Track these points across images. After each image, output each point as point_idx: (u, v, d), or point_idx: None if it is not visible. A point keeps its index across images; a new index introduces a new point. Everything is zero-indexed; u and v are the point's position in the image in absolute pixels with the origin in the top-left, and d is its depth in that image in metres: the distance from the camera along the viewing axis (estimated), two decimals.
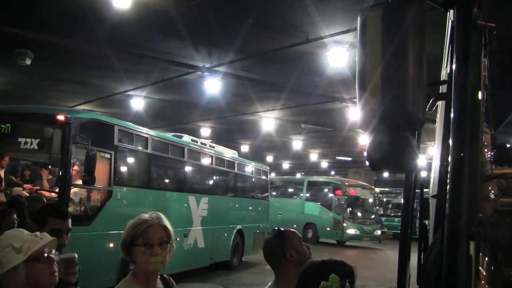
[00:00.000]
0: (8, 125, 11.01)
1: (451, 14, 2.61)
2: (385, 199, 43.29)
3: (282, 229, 3.51)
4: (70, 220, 4.24)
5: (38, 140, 10.74)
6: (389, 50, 2.23)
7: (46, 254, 2.83)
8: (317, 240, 31.04)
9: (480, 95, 2.42)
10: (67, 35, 14.32)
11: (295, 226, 30.25)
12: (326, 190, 33.38)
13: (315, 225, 32.00)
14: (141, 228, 3.10)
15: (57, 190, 10.70)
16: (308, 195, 33.92)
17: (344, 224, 30.78)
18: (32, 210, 9.83)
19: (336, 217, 31.11)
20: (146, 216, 3.15)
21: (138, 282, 3.10)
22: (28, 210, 7.76)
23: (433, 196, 3.28)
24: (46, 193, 10.93)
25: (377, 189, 41.19)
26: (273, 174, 41.30)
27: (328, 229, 31.37)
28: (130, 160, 13.65)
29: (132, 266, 3.29)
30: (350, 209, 31.71)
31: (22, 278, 2.71)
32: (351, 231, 30.83)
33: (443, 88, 3.08)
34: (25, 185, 11.35)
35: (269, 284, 3.39)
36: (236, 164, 20.22)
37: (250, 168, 22.27)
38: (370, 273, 16.29)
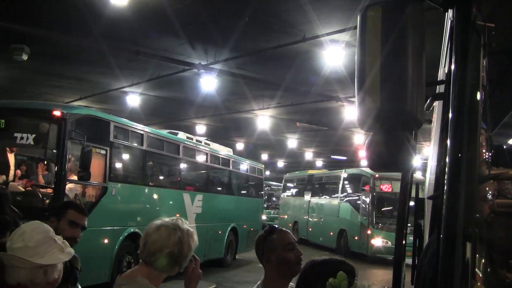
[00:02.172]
0: (4, 120, 11.00)
1: (450, 14, 2.60)
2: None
3: (274, 228, 3.49)
4: (87, 219, 4.43)
5: (34, 135, 10.72)
6: (388, 49, 2.22)
7: None
8: (347, 251, 23.72)
9: (478, 96, 2.42)
10: (64, 30, 14.28)
11: (331, 234, 26.61)
12: (355, 185, 25.56)
13: (346, 232, 25.07)
14: None
15: (52, 185, 10.72)
16: (344, 193, 26.92)
17: (369, 232, 22.75)
18: (27, 205, 9.91)
19: (363, 223, 23.42)
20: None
21: (155, 283, 3.09)
22: (22, 205, 7.80)
23: (429, 198, 3.28)
24: (42, 189, 10.96)
25: None
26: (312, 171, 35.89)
27: (356, 238, 23.95)
28: (126, 156, 13.65)
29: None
30: (380, 211, 23.21)
31: (56, 275, 2.75)
32: (377, 241, 22.40)
33: (440, 88, 3.08)
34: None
35: (258, 283, 3.39)
36: (231, 162, 20.24)
37: (244, 166, 22.28)
38: None
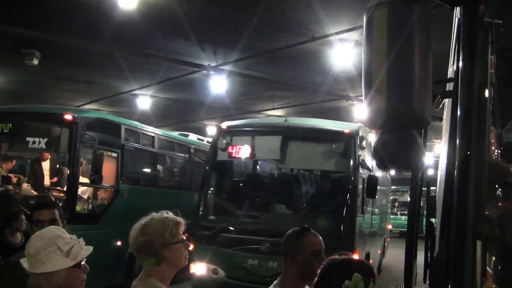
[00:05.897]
0: (15, 124, 11.06)
1: (457, 11, 2.59)
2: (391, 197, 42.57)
3: (307, 229, 3.47)
4: (55, 210, 4.49)
5: (45, 139, 10.77)
6: (395, 48, 2.22)
7: (83, 262, 2.88)
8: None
9: (486, 93, 2.41)
10: (74, 35, 14.35)
11: None
12: None
13: None
14: (175, 228, 3.15)
15: (64, 189, 10.77)
16: None
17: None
18: None
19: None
20: (169, 215, 3.22)
21: (160, 280, 3.08)
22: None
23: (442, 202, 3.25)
24: (54, 192, 11.02)
25: None
26: None
27: None
28: (137, 159, 13.66)
29: (137, 264, 3.29)
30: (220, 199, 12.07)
31: (60, 281, 2.69)
32: (200, 268, 10.46)
33: (449, 86, 3.07)
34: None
35: (275, 282, 3.40)
36: None
37: None
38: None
